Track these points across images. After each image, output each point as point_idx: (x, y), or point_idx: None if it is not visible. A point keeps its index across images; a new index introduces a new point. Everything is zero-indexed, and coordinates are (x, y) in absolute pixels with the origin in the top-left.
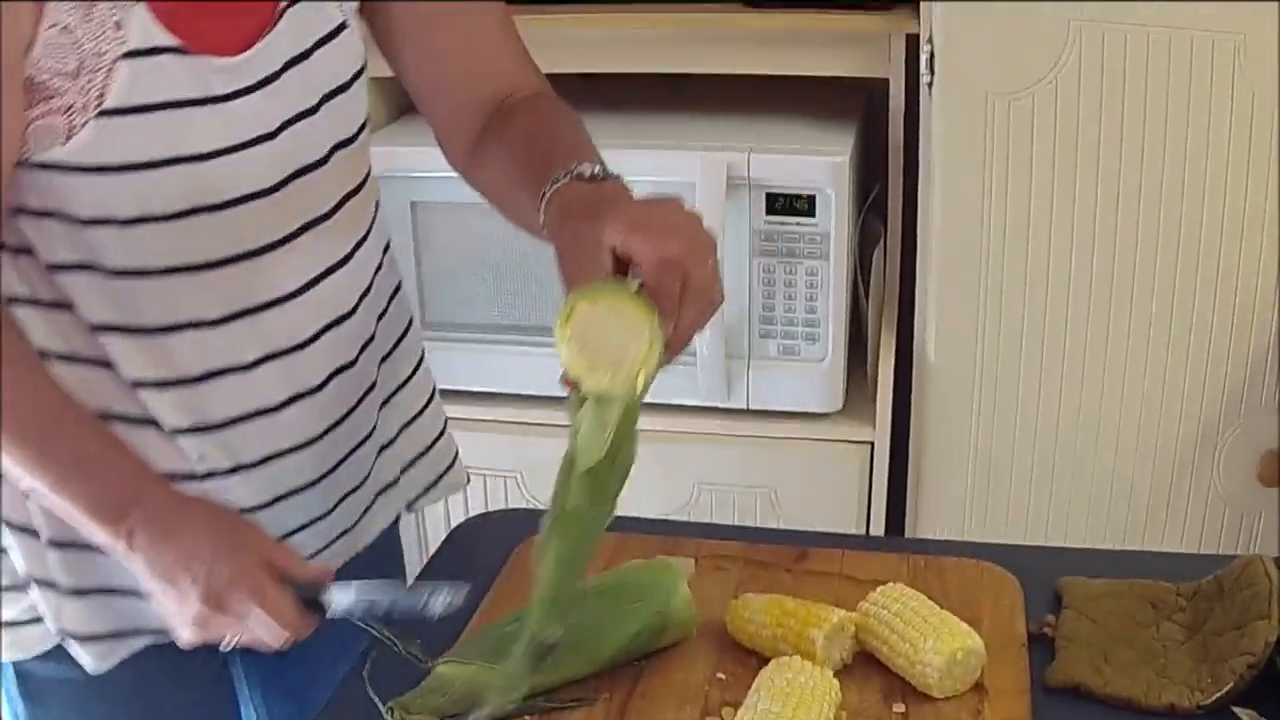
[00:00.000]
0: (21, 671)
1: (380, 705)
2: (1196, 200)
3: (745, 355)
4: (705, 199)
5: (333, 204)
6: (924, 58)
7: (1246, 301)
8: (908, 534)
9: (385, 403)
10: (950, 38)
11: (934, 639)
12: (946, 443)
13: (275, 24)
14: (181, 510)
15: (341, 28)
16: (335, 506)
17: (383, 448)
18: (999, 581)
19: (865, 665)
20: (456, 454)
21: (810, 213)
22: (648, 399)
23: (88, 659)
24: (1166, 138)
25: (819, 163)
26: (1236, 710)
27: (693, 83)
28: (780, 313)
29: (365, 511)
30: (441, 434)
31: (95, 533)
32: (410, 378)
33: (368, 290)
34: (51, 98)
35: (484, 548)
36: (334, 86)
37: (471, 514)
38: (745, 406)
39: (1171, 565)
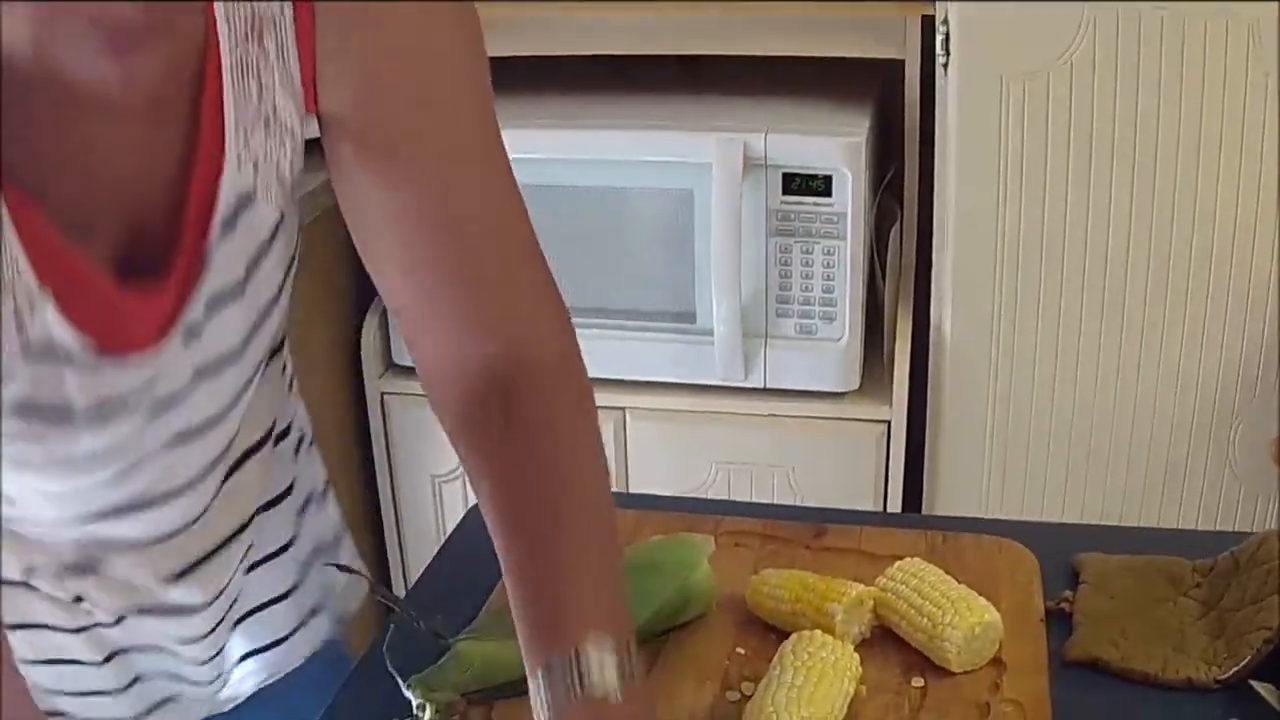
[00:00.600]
0: None
1: (400, 681)
2: (1212, 179)
3: (762, 335)
4: (721, 179)
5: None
6: (939, 39)
7: (1262, 280)
8: (925, 512)
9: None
10: (966, 19)
11: (952, 613)
12: (963, 421)
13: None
14: None
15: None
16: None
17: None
18: (1016, 557)
19: (884, 640)
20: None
21: (827, 193)
22: (665, 378)
23: None
24: (1181, 117)
25: (835, 143)
26: (1254, 684)
27: (709, 64)
28: (797, 292)
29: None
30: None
31: None
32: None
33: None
34: None
35: None
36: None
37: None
38: (762, 385)
39: (1187, 541)
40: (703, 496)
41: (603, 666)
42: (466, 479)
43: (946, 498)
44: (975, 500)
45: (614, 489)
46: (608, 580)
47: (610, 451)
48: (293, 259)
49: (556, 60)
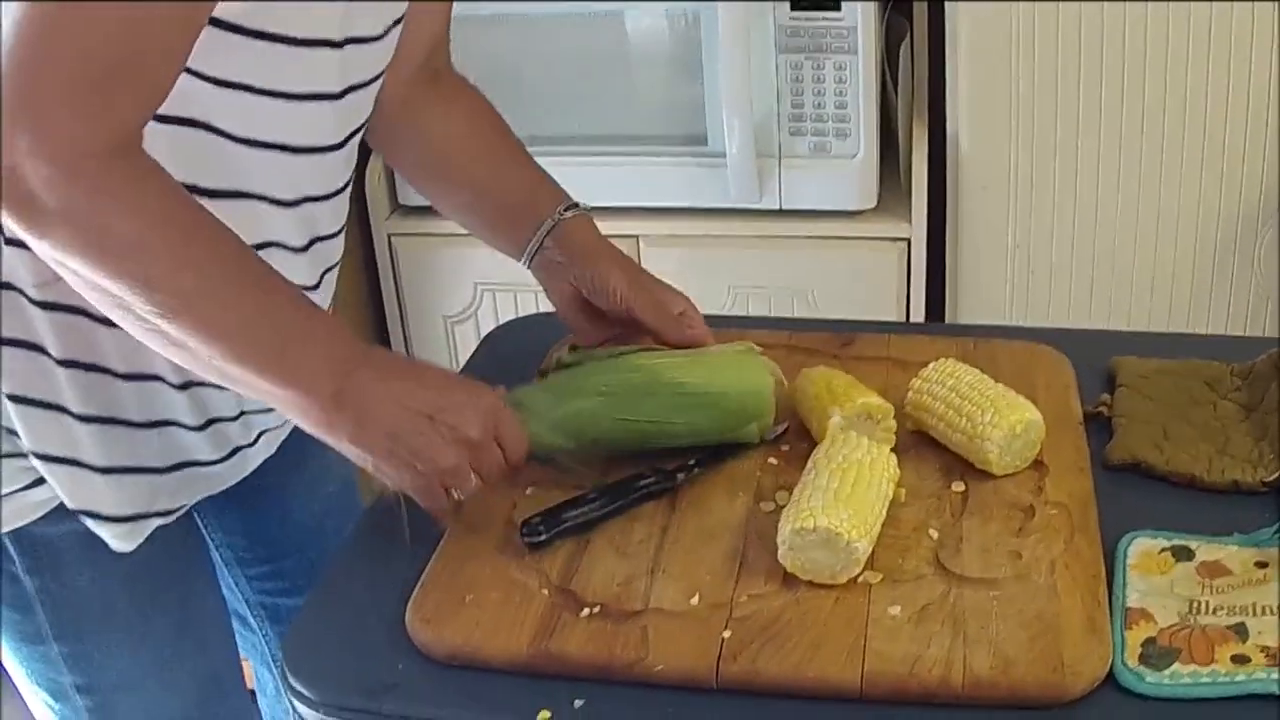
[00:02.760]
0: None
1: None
2: None
3: (776, 155)
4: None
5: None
6: None
7: None
8: None
9: None
10: None
11: (992, 412)
12: (984, 234)
13: None
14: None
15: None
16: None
17: None
18: (1051, 361)
19: (921, 445)
20: None
21: (836, 6)
22: (677, 203)
23: (113, 539)
24: None
25: None
26: None
27: None
28: (809, 110)
29: None
30: None
31: (299, 402)
32: None
33: None
34: None
35: (518, 351)
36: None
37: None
38: (778, 207)
39: (1222, 346)
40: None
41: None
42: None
43: (970, 314)
44: (1000, 317)
45: None
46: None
47: None
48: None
49: None
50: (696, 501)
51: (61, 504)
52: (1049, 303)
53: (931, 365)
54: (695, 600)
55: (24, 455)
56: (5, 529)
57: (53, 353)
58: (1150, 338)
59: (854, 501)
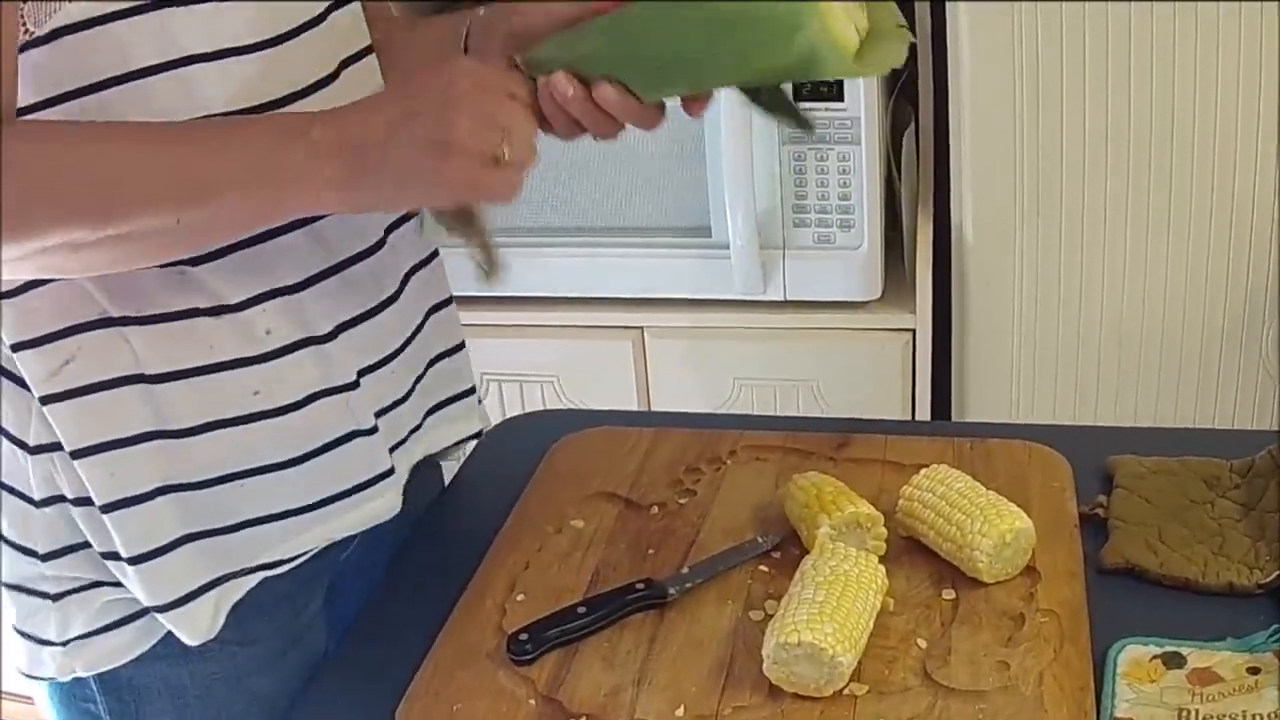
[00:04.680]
0: (107, 677)
1: None
2: (1233, 72)
3: (780, 246)
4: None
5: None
6: None
7: None
8: (954, 420)
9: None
10: None
11: (981, 521)
12: (989, 325)
13: None
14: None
15: None
16: (412, 389)
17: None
18: (1048, 462)
19: (913, 551)
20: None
21: (839, 97)
22: (682, 295)
23: (186, 630)
24: (1199, 8)
25: None
26: None
27: None
28: (813, 200)
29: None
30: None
31: (284, 172)
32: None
33: None
34: None
35: (520, 448)
36: None
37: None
38: (782, 298)
39: (1224, 441)
40: (725, 412)
41: None
42: None
43: (976, 404)
44: (1005, 406)
45: (634, 408)
46: None
47: (629, 371)
48: None
49: None
50: (686, 609)
51: (150, 648)
52: (1054, 393)
53: (924, 471)
54: (680, 712)
55: (115, 584)
56: (92, 671)
57: (123, 434)
58: (1150, 433)
59: (840, 615)
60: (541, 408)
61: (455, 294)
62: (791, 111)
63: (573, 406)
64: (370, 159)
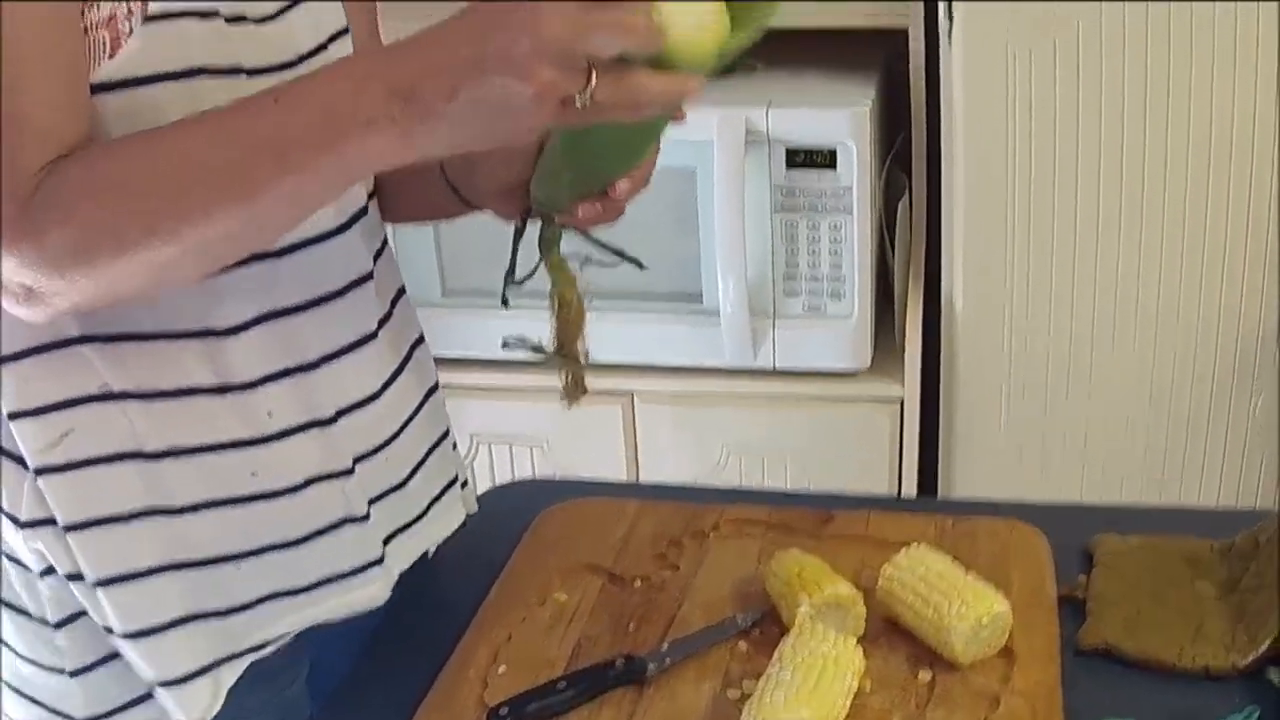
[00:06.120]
0: None
1: None
2: (1225, 145)
3: (770, 314)
4: (724, 156)
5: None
6: (943, 6)
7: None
8: (940, 491)
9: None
10: None
11: (959, 604)
12: (978, 396)
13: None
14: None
15: (346, 29)
16: (413, 474)
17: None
18: (1029, 541)
19: (891, 632)
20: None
21: (832, 165)
22: (672, 361)
23: (186, 708)
24: (1192, 82)
25: (839, 115)
26: (1272, 671)
27: None
28: (804, 269)
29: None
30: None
31: (354, 120)
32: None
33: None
34: (84, 13)
35: (505, 518)
36: (338, 28)
37: (497, 483)
38: (772, 367)
39: (1207, 520)
40: (714, 480)
41: None
42: None
43: (963, 475)
44: (992, 477)
45: (623, 475)
46: None
47: (619, 436)
48: None
49: None
50: (665, 686)
51: None
52: (1042, 466)
53: (904, 551)
54: None
55: (117, 657)
56: None
57: (120, 510)
58: (1134, 512)
59: (816, 698)
60: (531, 470)
61: (449, 353)
62: (738, 67)
63: (562, 469)
64: (437, 107)
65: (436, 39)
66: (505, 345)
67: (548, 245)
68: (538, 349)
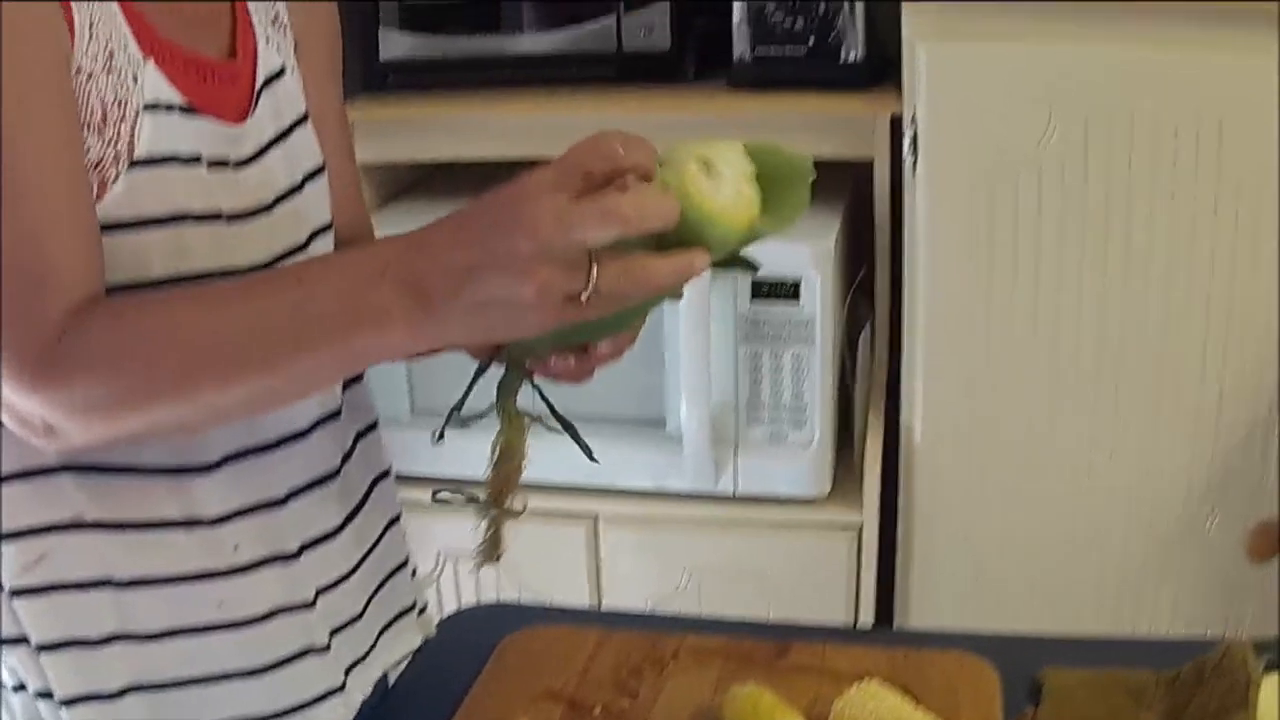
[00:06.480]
0: None
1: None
2: (1182, 277)
3: (733, 441)
4: (689, 286)
5: None
6: (907, 139)
7: (1235, 377)
8: (897, 616)
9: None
10: (933, 119)
11: None
12: (935, 524)
13: (256, 101)
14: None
15: (307, 115)
16: (369, 603)
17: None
18: (978, 674)
19: None
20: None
21: (795, 297)
22: (636, 485)
23: None
24: (1152, 214)
25: (804, 248)
26: None
27: None
28: (767, 399)
29: (392, 623)
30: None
31: (374, 342)
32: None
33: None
34: None
35: (467, 644)
36: (314, 167)
37: (462, 603)
38: (733, 492)
39: (1156, 651)
40: (675, 601)
41: None
42: None
43: (919, 602)
44: (949, 604)
45: (587, 594)
46: None
47: (583, 558)
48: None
49: (515, 164)
50: None
51: None
52: (998, 592)
53: (856, 687)
54: None
55: None
56: None
57: (91, 634)
58: (1086, 644)
59: None
60: (496, 587)
61: (416, 471)
62: (739, 263)
63: (528, 587)
64: (445, 306)
65: (447, 236)
66: (436, 498)
67: (507, 391)
68: (473, 499)
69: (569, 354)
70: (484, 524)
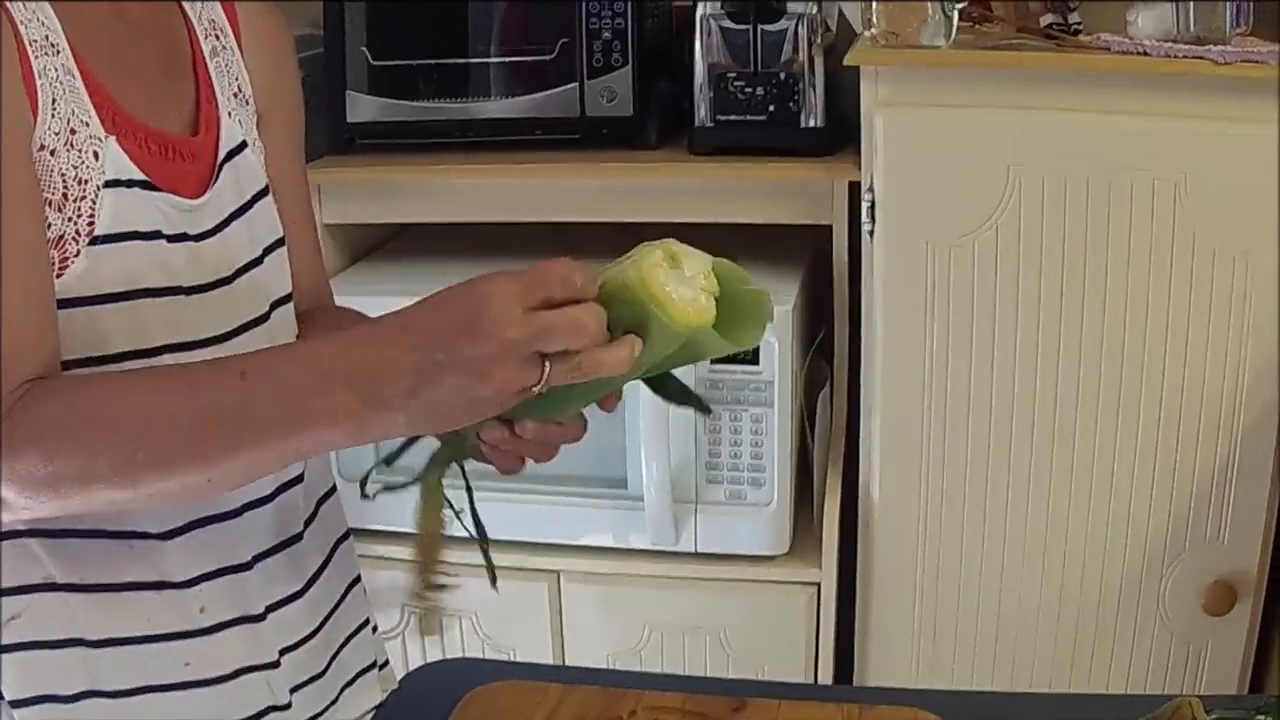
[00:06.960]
0: None
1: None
2: (1138, 342)
3: (693, 500)
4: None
5: None
6: (865, 206)
7: (1189, 434)
8: (856, 669)
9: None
10: (891, 186)
11: None
12: (893, 583)
13: (217, 175)
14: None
15: (268, 189)
16: (331, 661)
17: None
18: None
19: None
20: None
21: (755, 361)
22: (597, 542)
23: None
24: (1108, 281)
25: None
26: None
27: (638, 231)
28: (726, 459)
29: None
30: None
31: (322, 436)
32: None
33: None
34: None
35: (428, 700)
36: (274, 239)
37: (427, 657)
38: (694, 550)
39: (1107, 708)
40: (635, 657)
41: None
42: None
43: (878, 659)
44: (906, 661)
45: (549, 648)
46: None
47: (545, 614)
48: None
49: (479, 226)
50: None
51: None
52: (955, 650)
53: None
54: None
55: None
56: None
57: (62, 691)
58: (1043, 700)
59: None
60: (461, 640)
61: (383, 526)
62: (692, 400)
63: (491, 640)
64: (398, 405)
65: (399, 336)
66: (364, 492)
67: (438, 464)
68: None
69: (502, 426)
70: (414, 599)
